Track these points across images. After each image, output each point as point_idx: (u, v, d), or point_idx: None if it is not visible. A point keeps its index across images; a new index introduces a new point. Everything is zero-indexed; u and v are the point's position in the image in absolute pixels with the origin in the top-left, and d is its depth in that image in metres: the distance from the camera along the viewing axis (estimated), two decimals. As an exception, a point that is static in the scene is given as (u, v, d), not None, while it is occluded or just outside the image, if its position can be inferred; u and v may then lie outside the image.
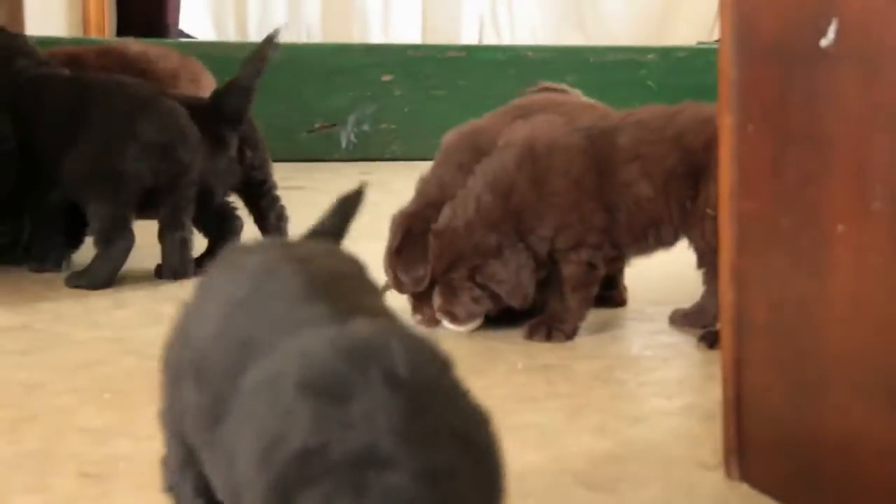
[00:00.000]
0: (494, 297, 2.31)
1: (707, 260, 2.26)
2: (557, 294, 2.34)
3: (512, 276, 2.29)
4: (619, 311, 2.55)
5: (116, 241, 2.64)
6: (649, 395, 2.07)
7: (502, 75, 4.69)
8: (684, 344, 2.31)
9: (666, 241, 2.37)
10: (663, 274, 2.63)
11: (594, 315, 2.41)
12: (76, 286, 2.62)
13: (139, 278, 2.74)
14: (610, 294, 2.54)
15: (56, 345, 2.25)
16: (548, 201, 2.30)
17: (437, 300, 2.35)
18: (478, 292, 2.32)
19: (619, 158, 2.32)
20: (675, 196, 2.30)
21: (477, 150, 2.40)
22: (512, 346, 2.30)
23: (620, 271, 2.55)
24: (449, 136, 2.50)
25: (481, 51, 5.06)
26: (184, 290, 2.60)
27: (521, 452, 1.76)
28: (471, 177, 2.34)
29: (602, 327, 2.42)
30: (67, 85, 2.79)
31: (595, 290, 2.34)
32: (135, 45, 3.41)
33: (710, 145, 2.11)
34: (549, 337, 2.32)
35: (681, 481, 1.66)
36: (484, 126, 2.50)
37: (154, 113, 2.66)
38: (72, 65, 3.03)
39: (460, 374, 2.12)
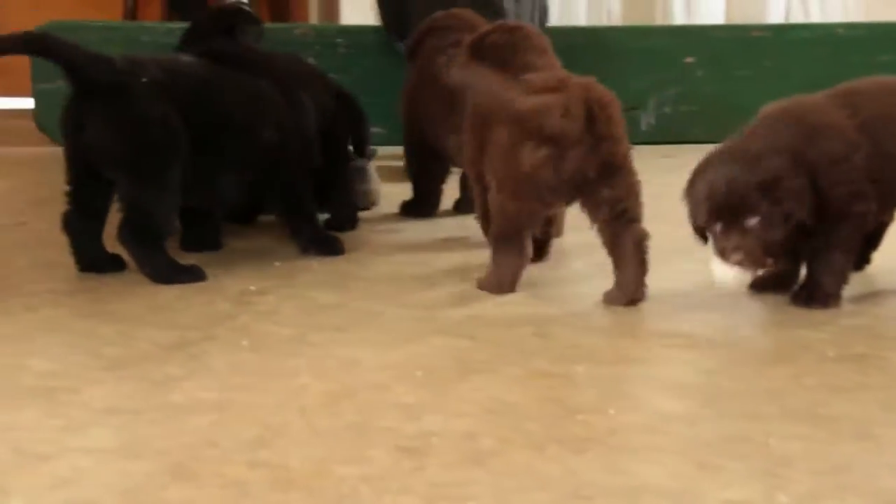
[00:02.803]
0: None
1: None
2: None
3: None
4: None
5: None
6: (975, 390, 1.96)
7: (810, 55, 4.54)
8: None
9: None
10: None
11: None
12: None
13: (448, 261, 2.82)
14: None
15: (369, 322, 2.35)
16: None
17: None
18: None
19: None
20: None
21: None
22: (821, 335, 2.23)
23: None
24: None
25: (788, 30, 4.90)
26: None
27: (836, 444, 1.71)
28: None
29: (919, 317, 2.32)
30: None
31: None
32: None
33: None
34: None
35: None
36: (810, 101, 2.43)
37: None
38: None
39: (767, 361, 2.08)
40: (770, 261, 2.29)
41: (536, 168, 2.38)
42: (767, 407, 1.87)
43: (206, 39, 3.19)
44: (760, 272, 2.40)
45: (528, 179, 2.41)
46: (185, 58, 2.88)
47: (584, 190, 2.42)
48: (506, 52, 2.69)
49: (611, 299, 2.44)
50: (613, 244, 2.45)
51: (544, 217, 2.56)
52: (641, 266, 2.43)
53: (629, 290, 2.42)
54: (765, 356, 2.17)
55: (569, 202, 2.47)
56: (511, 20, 3.13)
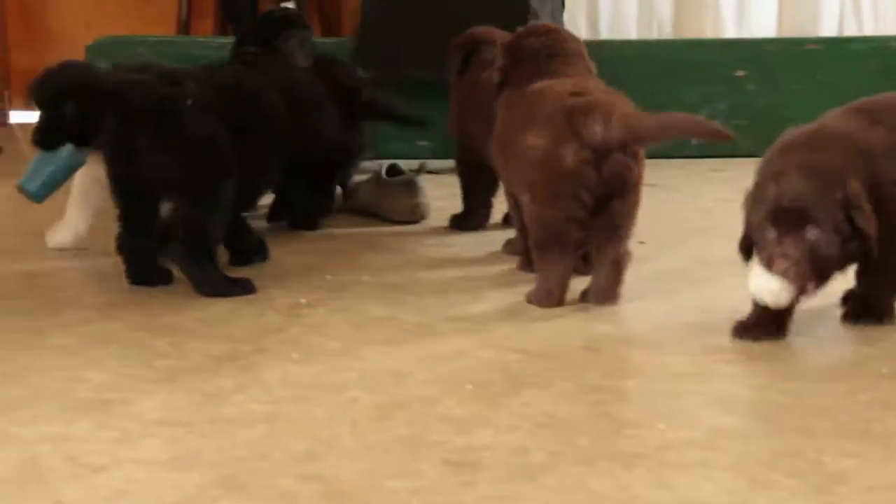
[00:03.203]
0: None
1: None
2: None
3: None
4: None
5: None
6: None
7: (863, 68, 4.49)
8: None
9: None
10: None
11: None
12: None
13: (497, 275, 2.82)
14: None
15: (419, 336, 2.35)
16: None
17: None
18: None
19: None
20: None
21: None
22: (875, 351, 2.21)
23: None
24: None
25: (841, 43, 4.85)
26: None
27: (891, 461, 1.69)
28: None
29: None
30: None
31: None
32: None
33: None
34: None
35: None
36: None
37: None
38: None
39: (820, 377, 2.07)
40: (812, 284, 2.19)
41: (580, 166, 2.42)
42: (820, 423, 1.86)
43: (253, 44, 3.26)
44: (795, 295, 2.23)
45: (569, 178, 2.43)
46: (217, 67, 2.93)
47: (610, 195, 2.46)
48: (540, 56, 2.72)
49: (585, 297, 2.54)
50: (596, 252, 2.53)
51: (579, 220, 2.49)
52: (615, 280, 2.52)
53: (598, 296, 2.52)
54: (817, 372, 2.16)
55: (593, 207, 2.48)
56: (547, 22, 3.13)
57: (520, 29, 2.86)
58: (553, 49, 2.74)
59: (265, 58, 3.15)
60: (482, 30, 3.28)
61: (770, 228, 2.20)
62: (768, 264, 2.20)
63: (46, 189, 2.97)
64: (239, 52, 3.29)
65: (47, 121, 2.63)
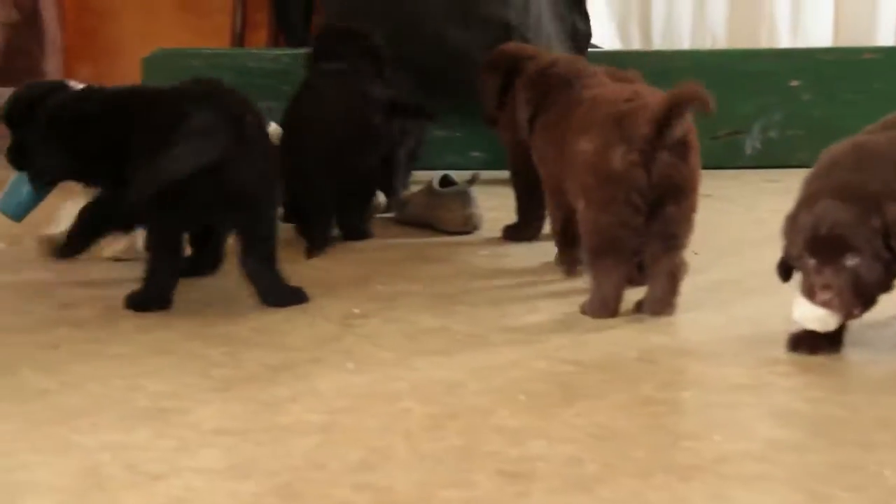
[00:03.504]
0: None
1: None
2: None
3: None
4: None
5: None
6: None
7: (922, 77, 4.44)
8: None
9: None
10: None
11: None
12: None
13: (550, 286, 2.82)
14: None
15: (472, 347, 2.35)
16: None
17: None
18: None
19: None
20: None
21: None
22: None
23: None
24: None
25: (898, 52, 4.81)
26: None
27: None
28: None
29: None
30: None
31: None
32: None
33: None
34: None
35: None
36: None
37: None
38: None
39: (879, 389, 2.04)
40: (857, 310, 2.16)
41: (629, 168, 2.44)
42: (880, 436, 1.84)
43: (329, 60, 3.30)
44: (841, 321, 2.20)
45: (619, 181, 2.44)
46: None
47: (662, 199, 2.46)
48: (569, 80, 2.80)
49: (640, 308, 2.54)
50: (652, 262, 2.51)
51: (635, 227, 2.47)
52: (671, 291, 2.51)
53: (654, 307, 2.52)
54: (876, 384, 2.13)
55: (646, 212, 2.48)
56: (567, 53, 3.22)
57: (542, 61, 2.96)
58: (577, 73, 2.82)
59: (341, 73, 3.23)
60: (513, 46, 3.30)
61: (809, 257, 2.17)
62: (810, 294, 2.17)
63: (24, 208, 2.93)
64: (316, 68, 3.33)
65: (13, 139, 2.70)
